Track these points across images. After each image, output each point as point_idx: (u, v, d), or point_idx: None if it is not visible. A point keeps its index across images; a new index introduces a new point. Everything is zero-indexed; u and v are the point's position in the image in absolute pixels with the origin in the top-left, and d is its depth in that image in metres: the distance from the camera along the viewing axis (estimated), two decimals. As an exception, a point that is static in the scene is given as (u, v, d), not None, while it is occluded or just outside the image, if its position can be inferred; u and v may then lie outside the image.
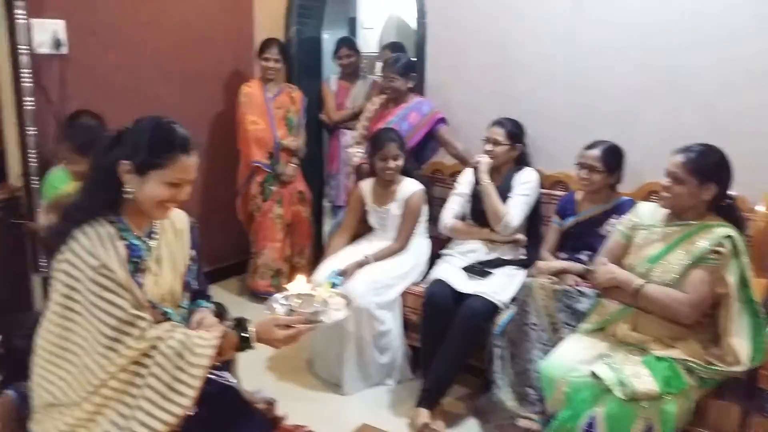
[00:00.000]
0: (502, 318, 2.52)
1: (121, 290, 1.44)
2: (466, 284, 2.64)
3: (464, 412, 2.65)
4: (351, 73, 4.10)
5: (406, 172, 2.99)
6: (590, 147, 2.57)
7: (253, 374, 2.76)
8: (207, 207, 3.82)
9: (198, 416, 1.51)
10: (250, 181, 3.69)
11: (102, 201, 1.51)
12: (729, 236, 1.97)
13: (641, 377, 1.90)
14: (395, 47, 4.13)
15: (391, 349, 2.81)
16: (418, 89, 3.37)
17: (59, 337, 1.44)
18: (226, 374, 1.82)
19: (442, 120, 3.21)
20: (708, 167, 2.02)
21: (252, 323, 1.58)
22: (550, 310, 2.39)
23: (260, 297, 3.71)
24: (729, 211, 2.08)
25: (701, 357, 1.98)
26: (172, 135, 1.51)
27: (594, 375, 1.96)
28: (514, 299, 2.57)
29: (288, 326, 1.57)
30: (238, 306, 3.66)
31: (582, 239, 2.57)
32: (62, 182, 2.65)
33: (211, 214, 3.79)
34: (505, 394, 2.43)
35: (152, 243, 1.60)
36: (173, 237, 1.67)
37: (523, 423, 2.34)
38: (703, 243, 1.98)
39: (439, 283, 2.66)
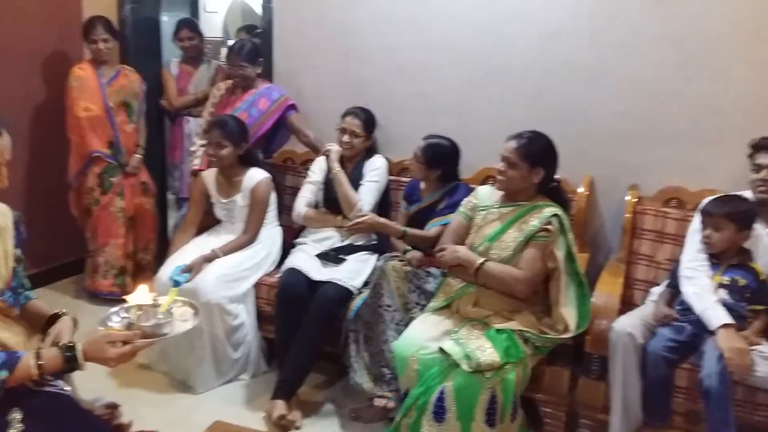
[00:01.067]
0: (356, 302, 2.55)
1: None
2: (320, 272, 2.64)
3: (321, 400, 2.66)
4: (193, 57, 3.89)
5: (252, 160, 2.92)
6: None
7: (92, 380, 2.54)
8: (33, 201, 3.45)
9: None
10: (85, 173, 3.39)
11: None
12: (556, 215, 2.16)
13: (485, 350, 2.03)
14: (249, 29, 3.99)
15: (245, 343, 2.74)
16: (266, 75, 3.29)
17: None
18: (59, 383, 1.65)
19: (293, 107, 3.17)
20: (537, 152, 2.19)
21: (80, 341, 1.46)
22: (402, 291, 2.46)
23: (102, 298, 3.44)
24: (556, 193, 2.28)
25: (536, 327, 2.16)
26: None
27: (442, 351, 2.06)
28: (366, 283, 2.62)
29: (124, 342, 1.47)
30: (77, 309, 3.34)
31: (425, 222, 2.68)
32: None
33: (38, 209, 3.42)
34: (361, 377, 2.47)
35: None
36: None
37: (379, 402, 2.40)
38: (533, 222, 2.16)
39: (293, 272, 2.64)
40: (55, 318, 1.65)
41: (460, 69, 3.03)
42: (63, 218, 3.53)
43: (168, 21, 4.29)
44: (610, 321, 2.21)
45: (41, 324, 1.65)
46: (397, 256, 2.62)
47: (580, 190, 2.76)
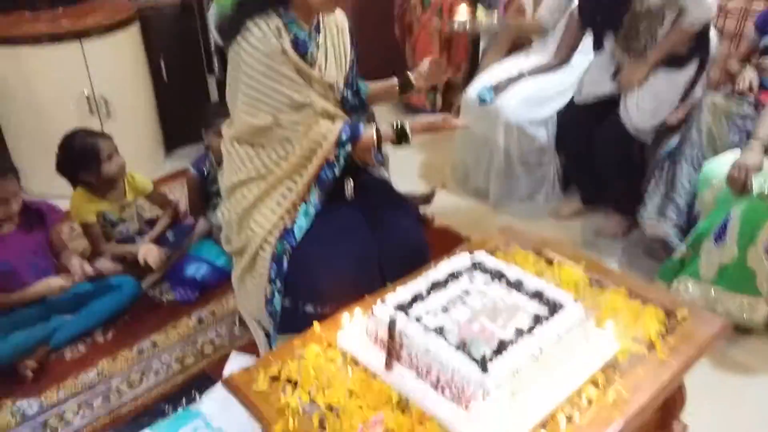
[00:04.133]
0: (669, 143, 2.34)
1: (296, 75, 1.55)
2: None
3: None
4: None
5: None
6: None
7: (406, 180, 2.92)
8: (361, 21, 3.79)
9: (355, 201, 1.70)
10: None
11: None
12: None
13: None
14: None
15: (542, 165, 2.76)
16: None
17: (245, 123, 1.59)
18: (384, 173, 1.94)
19: None
20: None
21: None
22: (715, 130, 2.18)
23: (415, 111, 3.77)
24: None
25: None
26: None
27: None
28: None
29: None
30: (392, 117, 3.76)
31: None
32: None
33: (365, 28, 3.75)
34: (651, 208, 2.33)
35: (319, 38, 1.65)
36: (337, 33, 1.70)
37: (655, 230, 2.24)
38: None
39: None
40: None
41: None
42: (387, 38, 3.80)
43: None
44: None
45: (394, 92, 1.88)
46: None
47: None
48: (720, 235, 1.89)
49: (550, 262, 1.58)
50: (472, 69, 3.63)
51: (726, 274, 1.91)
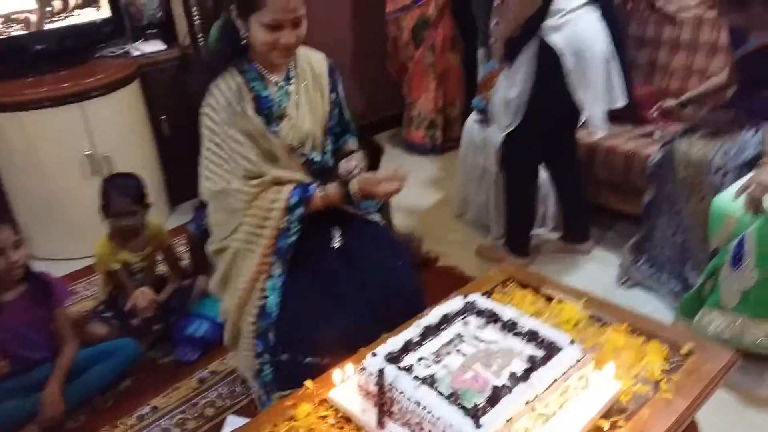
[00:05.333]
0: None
1: (249, 143, 1.54)
2: None
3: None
4: None
5: None
6: None
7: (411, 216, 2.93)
8: (358, 59, 3.84)
9: (344, 245, 1.67)
10: (400, 27, 3.58)
11: (228, 50, 1.57)
12: None
13: None
14: None
15: (545, 196, 2.73)
16: None
17: (204, 187, 1.60)
18: (375, 216, 1.90)
19: None
20: None
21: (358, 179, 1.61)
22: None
23: (415, 149, 3.78)
24: None
25: None
26: None
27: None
28: None
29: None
30: (395, 158, 3.78)
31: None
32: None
33: (362, 66, 3.80)
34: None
35: (290, 88, 1.63)
36: (312, 81, 1.68)
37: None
38: None
39: None
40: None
41: None
42: (384, 74, 3.84)
43: None
44: None
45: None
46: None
47: None
48: (737, 260, 1.80)
49: (549, 299, 1.54)
50: (469, 104, 3.64)
51: (749, 301, 1.81)
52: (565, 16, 2.16)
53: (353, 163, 1.68)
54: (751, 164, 1.96)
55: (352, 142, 1.81)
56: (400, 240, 2.30)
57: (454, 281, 2.39)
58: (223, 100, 1.53)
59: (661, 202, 2.28)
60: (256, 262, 1.56)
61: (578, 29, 2.16)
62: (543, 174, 2.59)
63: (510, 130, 2.33)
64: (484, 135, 2.79)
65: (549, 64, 2.17)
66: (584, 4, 2.18)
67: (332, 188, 1.61)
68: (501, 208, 2.65)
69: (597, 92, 2.23)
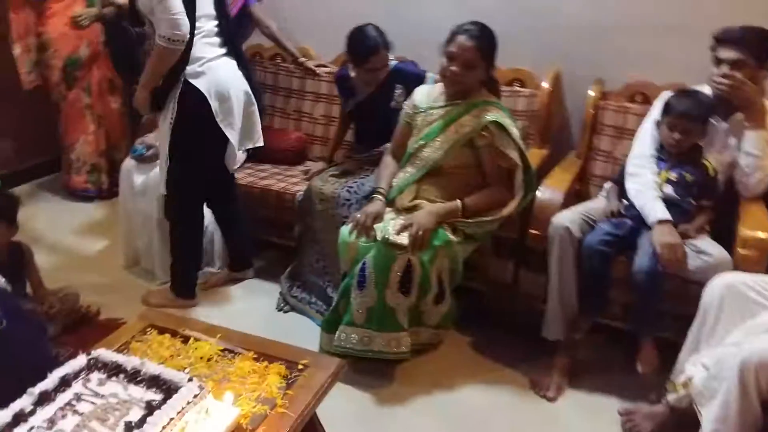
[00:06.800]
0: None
1: None
2: None
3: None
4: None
5: None
6: None
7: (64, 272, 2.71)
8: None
9: None
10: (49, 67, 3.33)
11: None
12: (494, 122, 2.16)
13: (402, 235, 2.08)
14: None
15: (212, 234, 2.79)
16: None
17: None
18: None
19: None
20: (492, 48, 2.17)
21: None
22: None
23: (77, 195, 3.53)
24: (493, 85, 2.30)
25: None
26: None
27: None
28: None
29: None
30: (53, 206, 3.47)
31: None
32: None
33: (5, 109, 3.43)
34: None
35: None
36: None
37: None
38: (470, 127, 2.18)
39: None
40: None
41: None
42: (34, 117, 3.52)
43: None
44: (552, 216, 2.23)
45: None
46: None
47: (544, 84, 2.69)
48: (361, 283, 2.09)
49: (186, 340, 1.60)
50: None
51: (374, 317, 2.10)
52: (206, 63, 2.30)
53: None
54: (368, 197, 2.34)
55: None
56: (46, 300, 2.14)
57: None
58: None
59: (307, 233, 2.56)
60: None
61: (220, 74, 2.33)
62: (209, 215, 2.68)
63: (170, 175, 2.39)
64: (144, 178, 2.76)
65: (193, 106, 2.28)
66: (223, 55, 2.36)
67: None
68: (165, 252, 2.65)
69: (240, 131, 2.42)
